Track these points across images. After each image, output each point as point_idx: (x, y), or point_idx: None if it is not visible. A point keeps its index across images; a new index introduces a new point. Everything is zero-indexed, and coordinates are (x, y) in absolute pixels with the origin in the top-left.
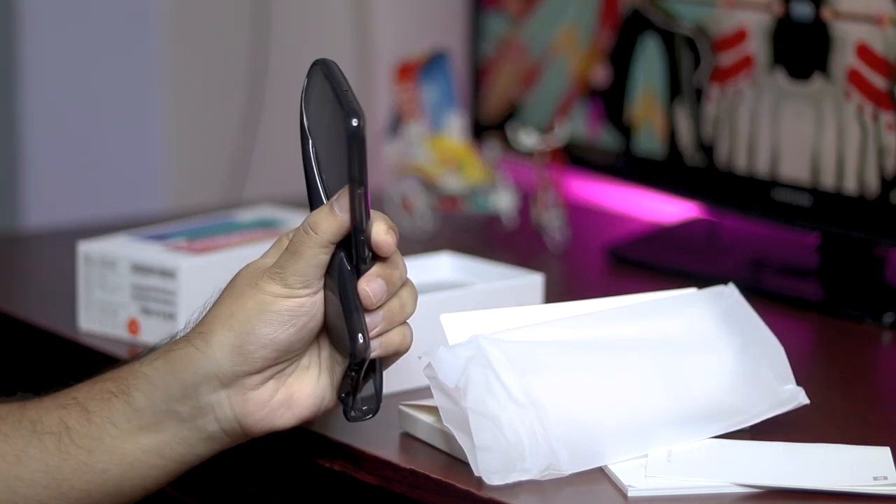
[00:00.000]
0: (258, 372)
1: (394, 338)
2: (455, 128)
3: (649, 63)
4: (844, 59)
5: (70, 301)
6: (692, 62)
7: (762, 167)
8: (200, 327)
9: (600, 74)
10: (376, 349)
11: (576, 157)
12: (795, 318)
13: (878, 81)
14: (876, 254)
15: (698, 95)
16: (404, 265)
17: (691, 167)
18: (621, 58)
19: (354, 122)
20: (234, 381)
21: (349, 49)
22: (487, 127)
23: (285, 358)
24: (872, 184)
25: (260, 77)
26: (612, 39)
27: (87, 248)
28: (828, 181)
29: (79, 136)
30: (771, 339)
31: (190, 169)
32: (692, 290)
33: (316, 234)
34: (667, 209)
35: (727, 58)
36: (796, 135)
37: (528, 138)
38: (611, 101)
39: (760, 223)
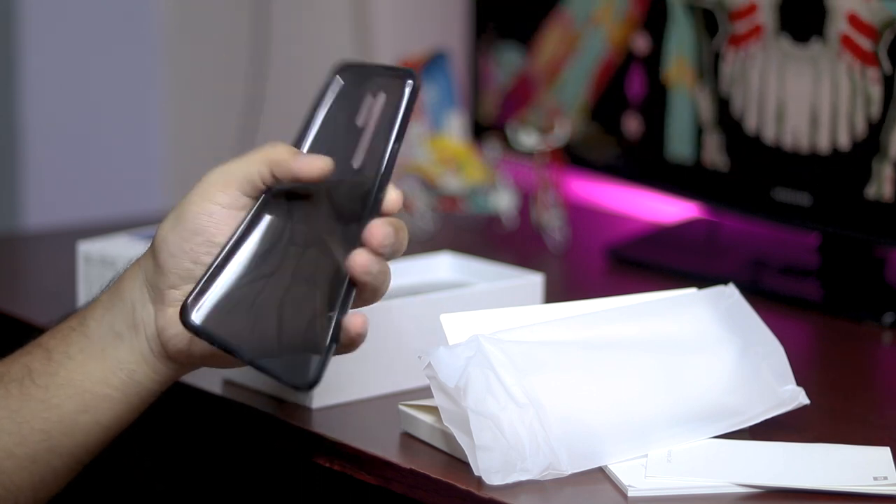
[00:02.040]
0: (175, 287)
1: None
2: (455, 128)
3: (680, 32)
4: (837, 26)
5: (70, 301)
6: (712, 31)
7: (769, 120)
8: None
9: (639, 42)
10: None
11: (576, 157)
12: (795, 318)
13: (865, 44)
14: (876, 254)
15: (717, 58)
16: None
17: (691, 167)
18: (656, 29)
19: (411, 82)
20: (158, 295)
21: (349, 49)
22: (487, 127)
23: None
24: (860, 127)
25: (260, 77)
26: (645, 12)
27: (87, 248)
28: (824, 133)
29: (79, 136)
30: (771, 340)
31: (190, 169)
32: (692, 290)
33: (272, 149)
34: (667, 209)
35: (741, 26)
36: (798, 89)
37: (528, 138)
38: (650, 65)
39: (760, 223)
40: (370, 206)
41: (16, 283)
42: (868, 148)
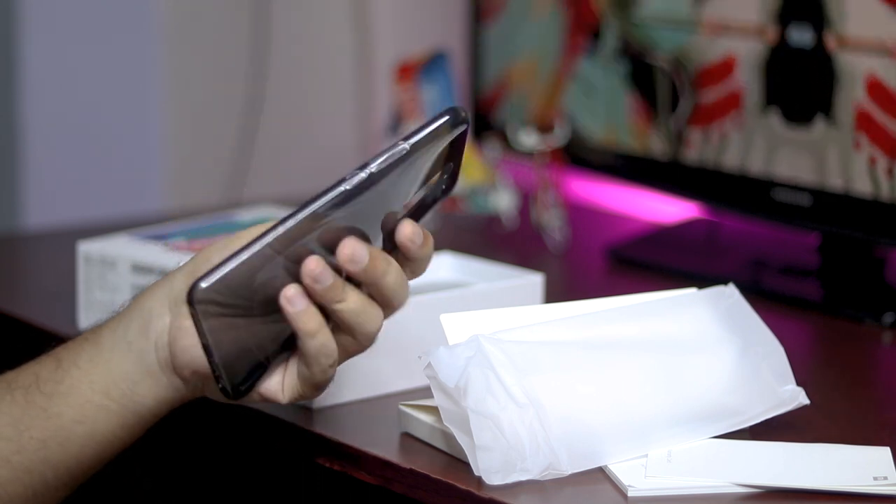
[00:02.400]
0: None
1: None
2: None
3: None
4: (852, 97)
5: (70, 301)
6: (669, 101)
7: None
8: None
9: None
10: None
11: (576, 157)
12: (795, 318)
13: (893, 127)
14: (876, 254)
15: (679, 139)
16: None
17: (691, 167)
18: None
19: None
20: (179, 306)
21: (349, 49)
22: (487, 127)
23: None
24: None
25: (260, 77)
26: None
27: (87, 248)
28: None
29: (79, 136)
30: (771, 340)
31: (190, 169)
32: (692, 290)
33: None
34: (667, 209)
35: (711, 94)
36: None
37: (528, 138)
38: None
39: (760, 223)
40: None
41: (16, 283)
42: (881, 208)
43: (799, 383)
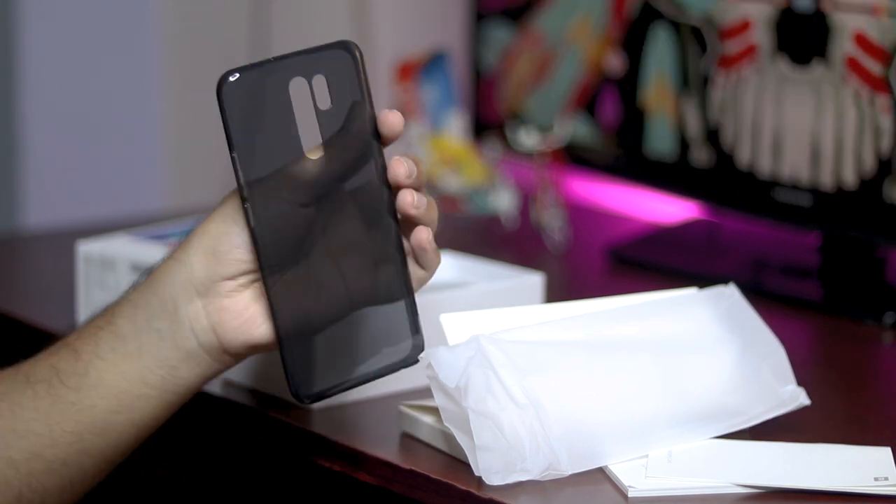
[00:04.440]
0: (232, 278)
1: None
2: (455, 128)
3: (660, 52)
4: (843, 46)
5: (70, 301)
6: (699, 50)
7: (765, 152)
8: (183, 241)
9: (615, 62)
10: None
11: (576, 157)
12: (796, 319)
13: (874, 67)
14: (876, 254)
15: (705, 81)
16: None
17: (691, 167)
18: (634, 47)
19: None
20: (210, 288)
21: None
22: (487, 127)
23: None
24: (869, 163)
25: None
26: (624, 30)
27: (87, 248)
28: (827, 167)
29: (79, 136)
30: (771, 340)
31: (190, 169)
32: (692, 291)
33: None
34: (667, 209)
35: (732, 46)
36: (797, 118)
37: (528, 138)
38: (625, 88)
39: (760, 223)
40: (374, 155)
41: (16, 283)
42: (877, 187)
43: (799, 383)
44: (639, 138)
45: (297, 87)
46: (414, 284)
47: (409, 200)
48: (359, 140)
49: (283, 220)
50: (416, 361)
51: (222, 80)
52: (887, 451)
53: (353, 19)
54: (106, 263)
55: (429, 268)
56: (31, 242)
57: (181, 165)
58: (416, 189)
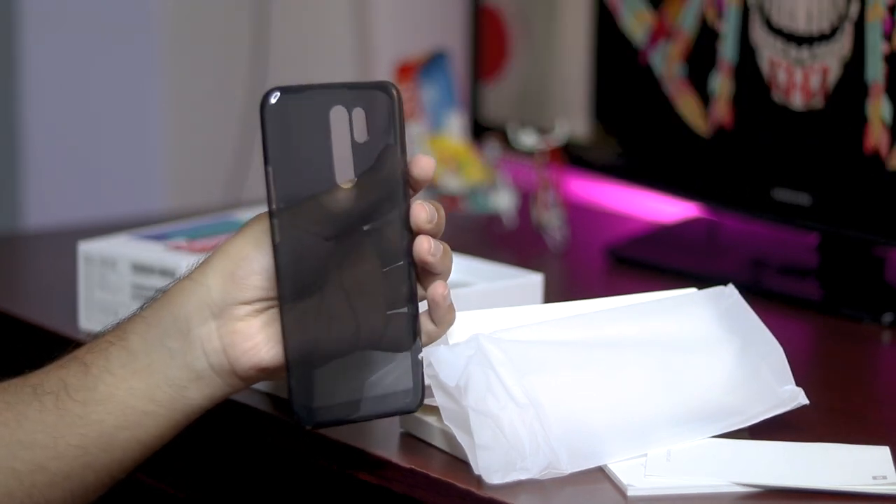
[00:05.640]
0: (248, 303)
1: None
2: (455, 128)
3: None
4: None
5: (70, 301)
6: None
7: None
8: (201, 261)
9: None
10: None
11: (576, 157)
12: (795, 318)
13: None
14: (875, 254)
15: None
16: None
17: (692, 167)
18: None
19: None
20: (225, 310)
21: (349, 49)
22: (487, 127)
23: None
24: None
25: (260, 77)
26: None
27: (87, 248)
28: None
29: (79, 136)
30: (770, 340)
31: (190, 169)
32: (692, 290)
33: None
34: (667, 209)
35: None
36: None
37: (528, 138)
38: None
39: (760, 223)
40: (399, 198)
41: (16, 283)
42: (880, 208)
43: (798, 383)
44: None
45: (337, 116)
46: (423, 339)
47: (425, 247)
48: (389, 180)
49: (305, 246)
50: (414, 411)
51: (268, 95)
52: (885, 450)
53: (353, 19)
54: (106, 263)
55: (440, 324)
56: (31, 242)
57: (181, 166)
58: (434, 235)
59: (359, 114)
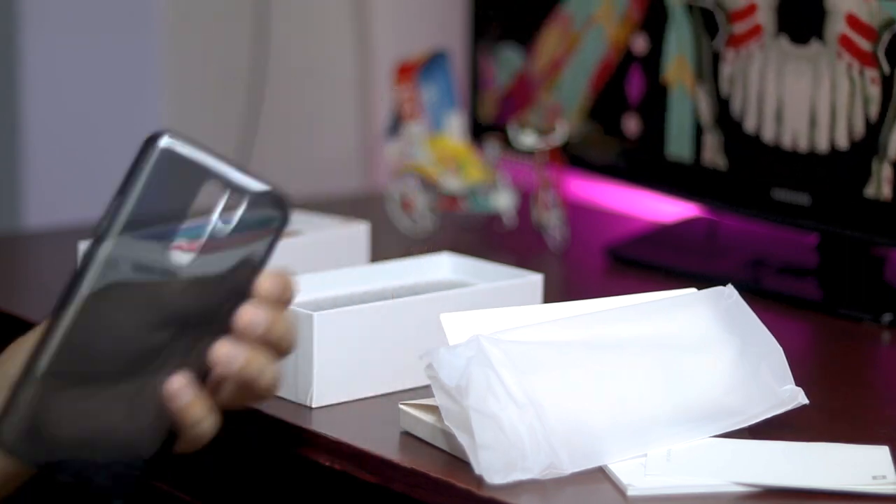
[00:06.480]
0: None
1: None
2: (455, 128)
3: (679, 32)
4: (836, 26)
5: None
6: (712, 31)
7: (769, 119)
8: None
9: (639, 43)
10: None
11: (576, 157)
12: (795, 318)
13: (864, 44)
14: (875, 254)
15: (716, 59)
16: None
17: (691, 167)
18: (655, 28)
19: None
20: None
21: (349, 49)
22: (487, 127)
23: None
24: (859, 127)
25: (260, 77)
26: (644, 13)
27: None
28: (823, 133)
29: (79, 136)
30: (770, 340)
31: None
32: (692, 291)
33: None
34: (667, 209)
35: (740, 27)
36: (797, 90)
37: (527, 138)
38: (648, 64)
39: (760, 223)
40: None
41: (16, 282)
42: (867, 148)
43: (798, 383)
44: (661, 119)
45: (213, 190)
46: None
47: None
48: (229, 297)
49: (108, 312)
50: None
51: (159, 135)
52: (885, 449)
53: (353, 19)
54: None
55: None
56: (32, 242)
57: None
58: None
59: (239, 202)
